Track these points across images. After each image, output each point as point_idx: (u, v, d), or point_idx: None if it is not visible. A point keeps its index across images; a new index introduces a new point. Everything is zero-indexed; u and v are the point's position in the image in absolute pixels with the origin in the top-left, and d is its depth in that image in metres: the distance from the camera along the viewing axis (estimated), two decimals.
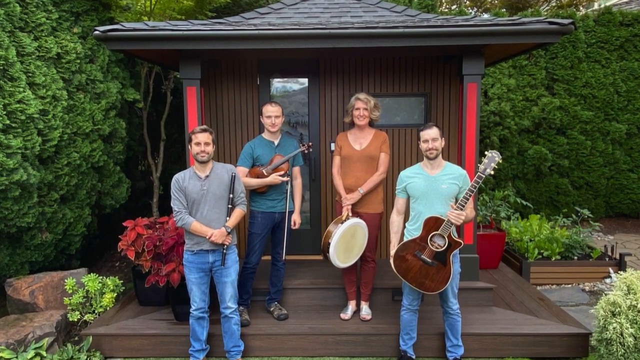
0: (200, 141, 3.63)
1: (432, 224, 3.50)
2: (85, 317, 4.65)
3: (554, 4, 13.38)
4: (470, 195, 3.41)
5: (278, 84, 5.59)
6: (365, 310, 4.44)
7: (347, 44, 4.19)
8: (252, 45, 4.23)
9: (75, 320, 4.66)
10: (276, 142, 4.31)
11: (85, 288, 4.74)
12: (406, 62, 5.41)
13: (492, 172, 3.42)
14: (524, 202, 6.61)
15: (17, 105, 4.41)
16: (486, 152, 3.43)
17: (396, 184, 3.78)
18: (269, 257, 4.57)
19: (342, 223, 4.01)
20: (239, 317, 3.94)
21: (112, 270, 6.26)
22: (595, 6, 14.20)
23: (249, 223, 4.35)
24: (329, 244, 3.96)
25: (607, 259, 6.01)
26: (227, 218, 3.71)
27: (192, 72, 4.57)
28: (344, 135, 4.34)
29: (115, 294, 4.88)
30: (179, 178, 3.70)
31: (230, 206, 3.73)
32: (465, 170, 3.69)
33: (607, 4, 12.73)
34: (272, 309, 4.52)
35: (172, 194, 3.69)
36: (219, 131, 5.54)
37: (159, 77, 7.11)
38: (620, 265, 5.86)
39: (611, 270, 5.85)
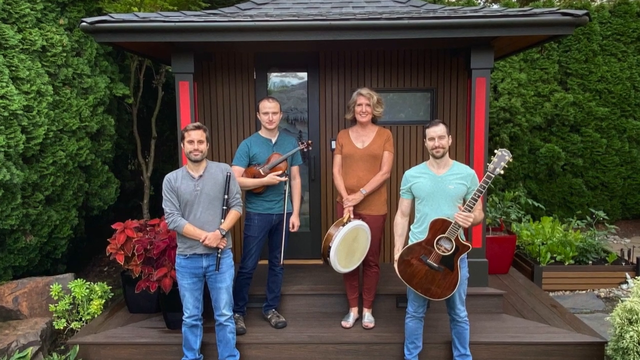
0: (194, 139, 3.63)
1: (439, 226, 3.50)
2: (72, 325, 4.65)
3: None
4: (478, 196, 3.41)
5: (276, 79, 5.59)
6: (368, 318, 4.44)
7: (348, 37, 4.19)
8: (248, 38, 4.23)
9: (61, 328, 4.66)
10: (274, 140, 4.31)
11: (72, 294, 4.74)
12: (411, 56, 5.42)
13: (502, 172, 3.42)
14: (536, 204, 6.61)
15: (0, 101, 4.42)
16: (495, 151, 3.43)
17: (400, 184, 3.78)
18: (266, 262, 4.58)
19: (343, 225, 4.01)
20: (234, 325, 3.94)
21: (100, 275, 6.26)
22: None
23: (244, 225, 4.35)
24: (330, 247, 3.96)
25: (623, 263, 6.02)
26: (222, 220, 3.71)
27: (184, 66, 4.57)
28: (346, 133, 4.34)
29: (104, 301, 4.88)
30: (170, 178, 3.70)
31: (225, 208, 3.73)
32: (474, 170, 3.70)
33: None
34: (269, 317, 4.52)
35: (163, 194, 3.69)
36: (213, 128, 5.54)
37: (149, 71, 7.11)
38: (638, 270, 5.87)
39: (628, 276, 5.85)
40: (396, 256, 3.68)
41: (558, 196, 8.51)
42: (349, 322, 4.43)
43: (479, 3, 11.84)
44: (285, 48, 5.12)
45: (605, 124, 8.31)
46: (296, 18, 4.21)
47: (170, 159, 8.38)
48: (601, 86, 8.26)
